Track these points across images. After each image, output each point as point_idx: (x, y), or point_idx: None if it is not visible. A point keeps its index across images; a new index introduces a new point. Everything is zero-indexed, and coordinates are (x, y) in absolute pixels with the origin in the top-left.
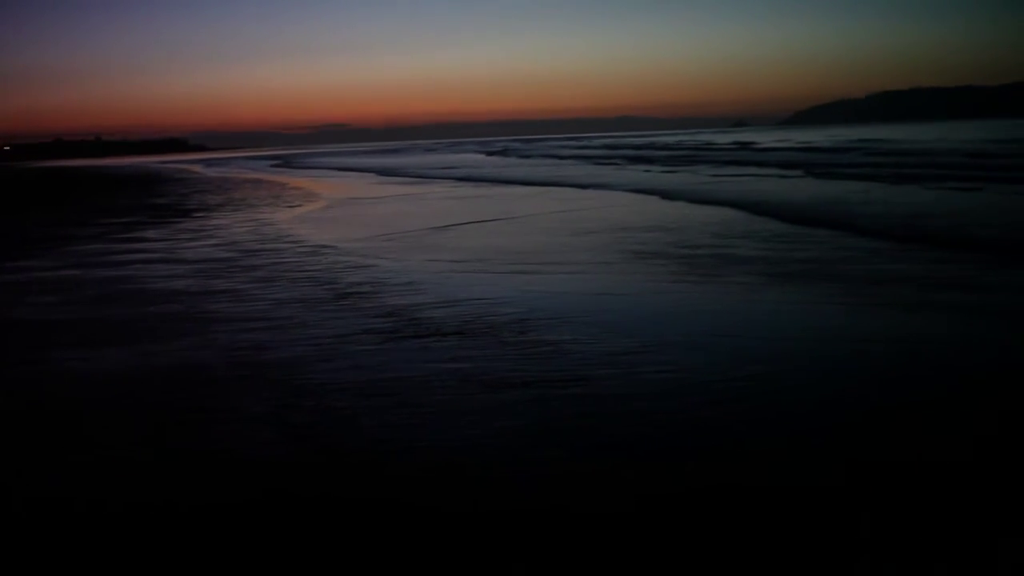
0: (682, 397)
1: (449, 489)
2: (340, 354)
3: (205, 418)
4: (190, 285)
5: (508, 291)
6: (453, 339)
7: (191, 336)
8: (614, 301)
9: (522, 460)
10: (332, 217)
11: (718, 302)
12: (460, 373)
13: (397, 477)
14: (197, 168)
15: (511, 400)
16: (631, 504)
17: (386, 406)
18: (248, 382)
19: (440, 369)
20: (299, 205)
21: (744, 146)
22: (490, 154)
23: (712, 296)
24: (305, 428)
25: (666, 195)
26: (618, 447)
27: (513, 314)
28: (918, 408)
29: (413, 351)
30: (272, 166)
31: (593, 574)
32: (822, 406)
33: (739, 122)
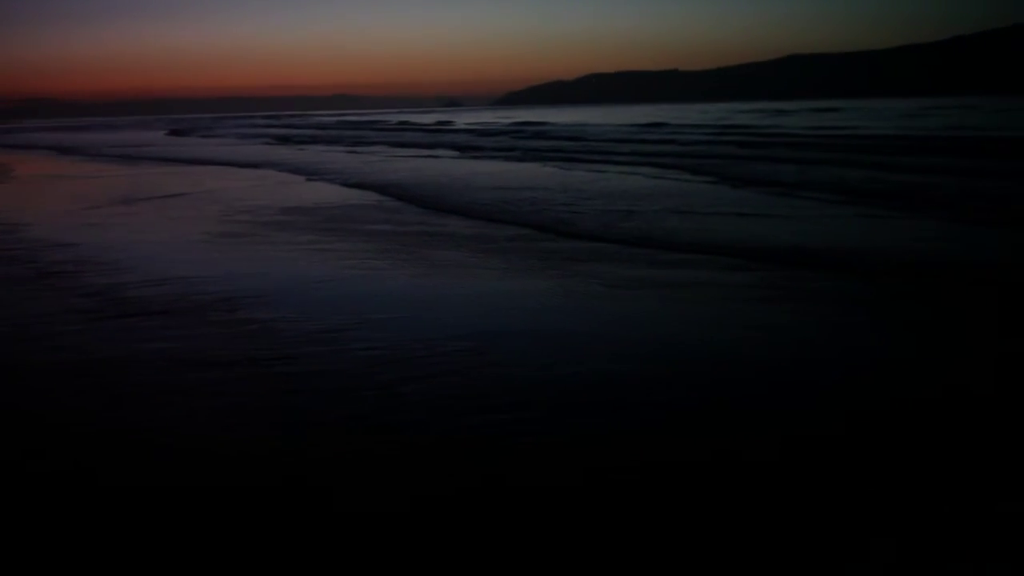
0: (388, 372)
1: (148, 467)
2: (41, 335)
3: None
4: None
5: (213, 269)
6: (159, 318)
7: None
8: (320, 280)
9: (225, 440)
10: (23, 194)
11: (418, 281)
12: (166, 353)
13: (94, 456)
14: None
15: (217, 379)
16: (336, 477)
17: (87, 387)
18: None
19: (146, 349)
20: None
21: (443, 125)
22: (175, 133)
23: (410, 275)
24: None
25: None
26: (323, 424)
27: (219, 293)
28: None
29: (118, 331)
30: None
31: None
32: (533, 373)
33: (452, 102)
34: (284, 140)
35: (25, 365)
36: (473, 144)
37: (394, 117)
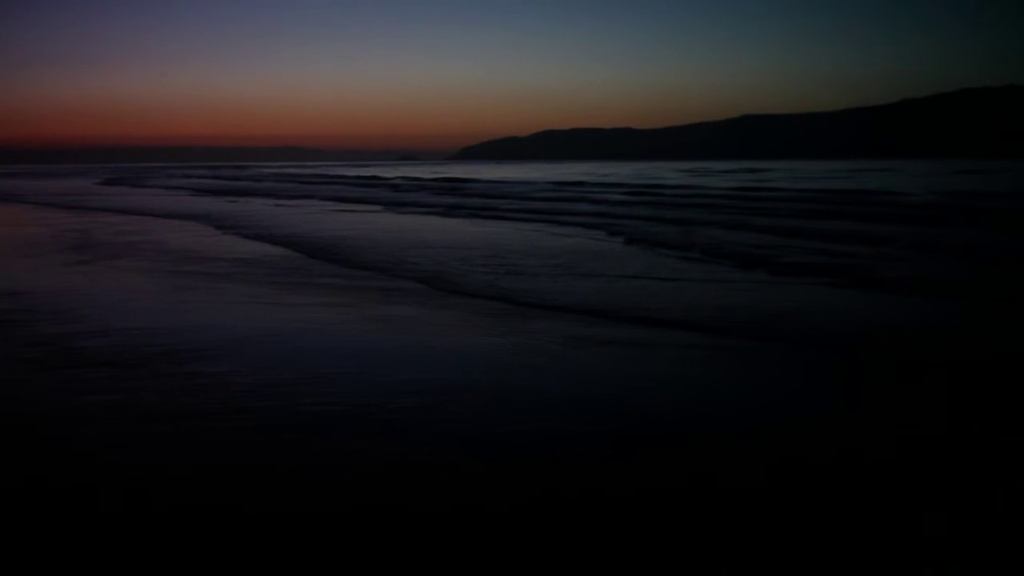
0: (338, 428)
1: (90, 522)
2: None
3: None
4: None
5: (167, 321)
6: (106, 370)
7: None
8: (268, 333)
9: (171, 494)
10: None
11: (370, 335)
12: (111, 405)
13: (32, 511)
14: None
15: (162, 433)
16: (282, 534)
17: (28, 440)
18: None
19: (90, 401)
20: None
21: (372, 179)
22: (108, 183)
23: (358, 328)
24: None
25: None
26: (272, 478)
27: (169, 344)
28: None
29: (63, 383)
30: None
31: None
32: (480, 431)
33: (409, 156)
34: (216, 192)
35: None
36: (395, 200)
37: (342, 170)
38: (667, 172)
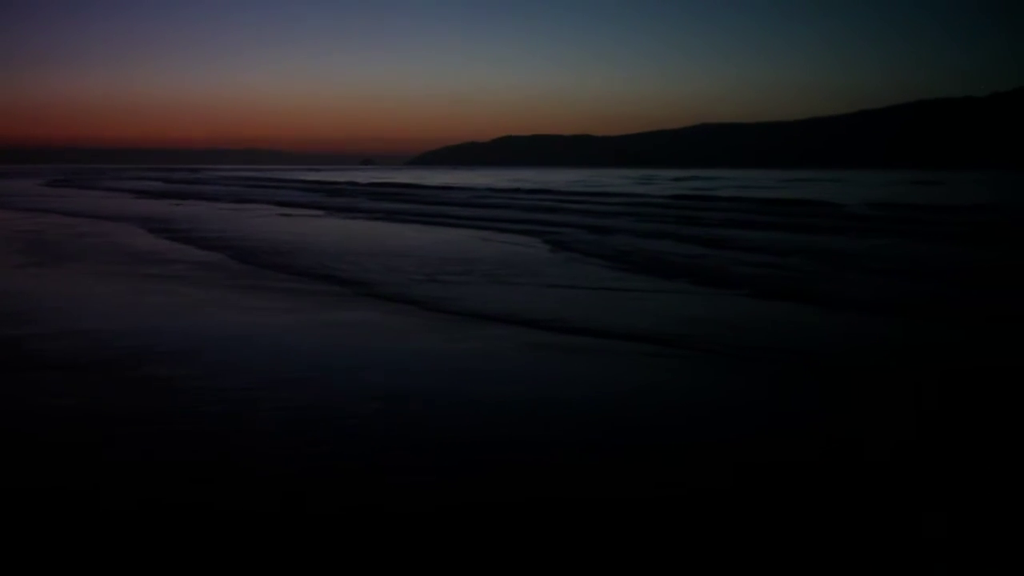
0: (300, 434)
1: (41, 526)
2: None
3: None
4: None
5: (126, 323)
6: (62, 372)
7: None
8: (235, 336)
9: (116, 501)
10: None
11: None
12: (66, 409)
13: None
14: None
15: (120, 436)
16: (237, 539)
17: None
18: None
19: (45, 404)
20: None
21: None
22: (54, 183)
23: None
24: None
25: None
26: (231, 480)
27: (128, 347)
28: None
29: (17, 386)
30: None
31: None
32: (438, 436)
33: (366, 160)
34: (163, 195)
35: None
36: (337, 205)
37: (298, 174)
38: (614, 179)
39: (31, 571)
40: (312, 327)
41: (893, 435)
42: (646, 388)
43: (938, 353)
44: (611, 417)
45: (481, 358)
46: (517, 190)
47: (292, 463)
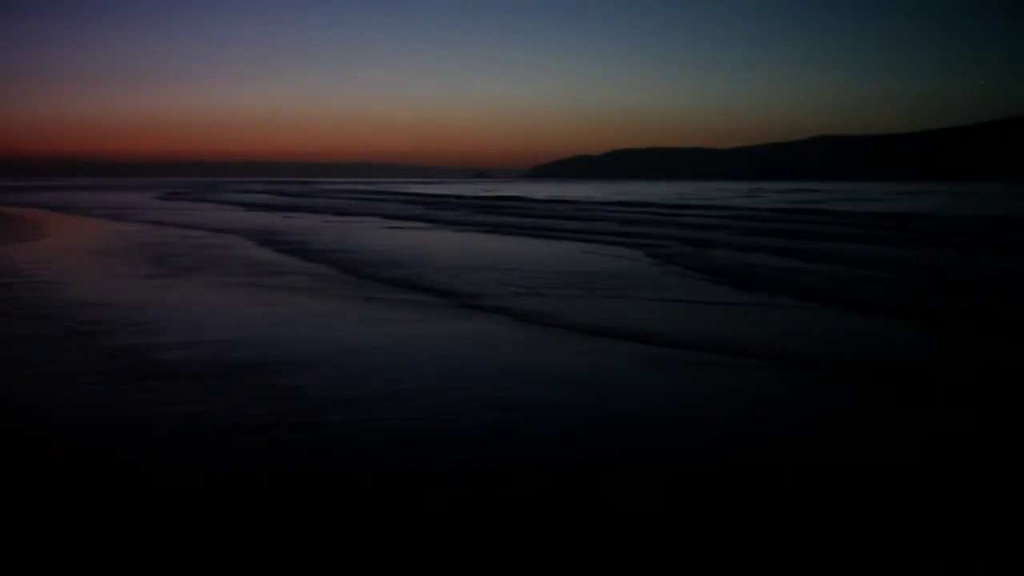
0: (417, 444)
1: (164, 532)
2: (68, 394)
3: None
4: None
5: (248, 333)
6: (187, 381)
7: None
8: (354, 347)
9: (243, 508)
10: (69, 253)
11: (447, 349)
12: (191, 416)
13: (112, 520)
14: None
15: (240, 445)
16: (361, 550)
17: (112, 449)
18: None
19: (171, 412)
20: (38, 239)
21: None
22: (168, 197)
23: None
24: (25, 471)
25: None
26: (346, 494)
27: (250, 357)
28: None
29: (145, 393)
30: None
31: None
32: (568, 453)
33: (481, 173)
34: (273, 208)
35: (51, 427)
36: (447, 218)
37: (411, 187)
38: (723, 192)
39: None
40: (426, 338)
41: None
42: (760, 402)
43: None
44: (731, 432)
45: (593, 371)
46: (622, 203)
47: (411, 472)
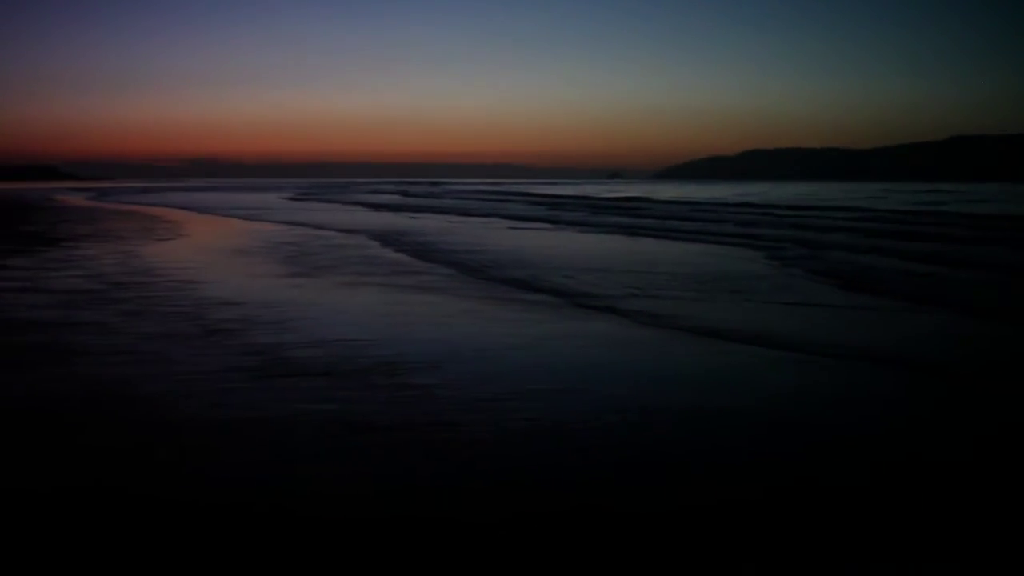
0: (547, 445)
1: (292, 531)
2: (204, 391)
3: (55, 454)
4: (53, 316)
5: (380, 333)
6: (321, 379)
7: (49, 367)
8: (482, 347)
9: (373, 507)
10: (204, 253)
11: (585, 351)
12: (325, 414)
13: (250, 516)
14: (69, 197)
15: (372, 444)
16: (492, 551)
17: (247, 446)
18: (105, 417)
19: (305, 410)
20: (172, 239)
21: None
22: (296, 198)
23: (576, 345)
24: (162, 467)
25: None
26: (472, 498)
27: (383, 356)
28: None
29: (279, 391)
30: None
31: None
32: (691, 453)
33: (614, 174)
34: (399, 208)
35: (189, 422)
36: (576, 219)
37: (535, 188)
38: (853, 193)
39: (283, 569)
40: (550, 339)
41: None
42: (874, 405)
43: None
44: (858, 436)
45: (712, 372)
46: (744, 204)
47: (538, 474)
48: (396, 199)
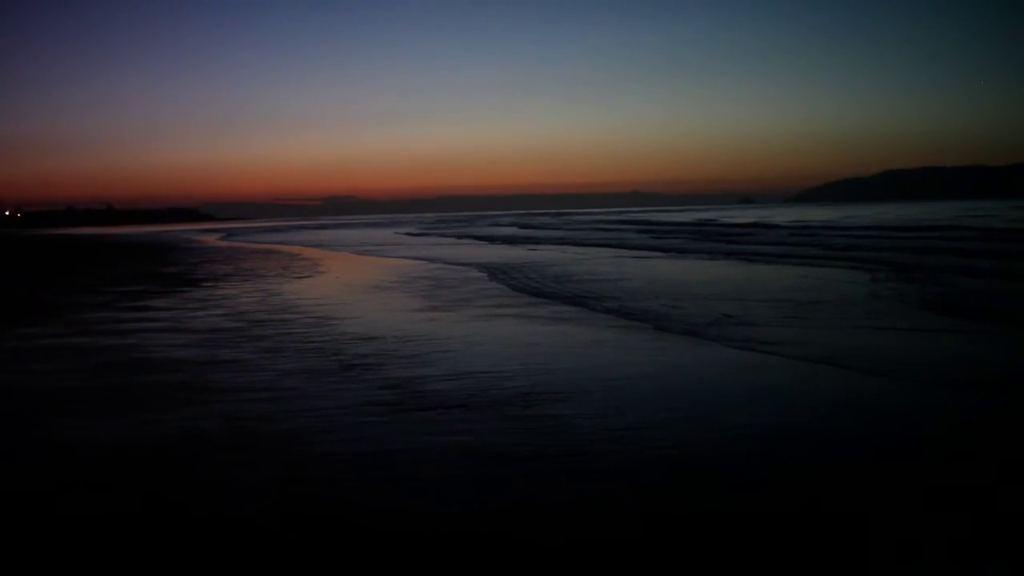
0: (682, 474)
1: (439, 562)
2: (343, 426)
3: (201, 490)
4: (195, 355)
5: (513, 365)
6: (457, 412)
7: (192, 406)
8: (615, 377)
9: (512, 537)
10: (337, 289)
11: (718, 377)
12: (461, 446)
13: (392, 548)
14: (207, 238)
15: (509, 475)
16: None
17: (386, 478)
18: (248, 453)
19: (442, 442)
20: (307, 276)
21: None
22: (423, 232)
23: (708, 371)
24: (304, 500)
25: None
26: (611, 525)
27: (517, 388)
28: None
29: (416, 424)
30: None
31: None
32: (778, 479)
33: (746, 199)
34: (519, 241)
35: (329, 456)
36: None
37: (661, 215)
38: (988, 213)
39: None
40: (679, 367)
41: None
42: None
43: None
44: (968, 463)
45: (828, 398)
46: (858, 226)
47: (673, 504)
48: (520, 232)
